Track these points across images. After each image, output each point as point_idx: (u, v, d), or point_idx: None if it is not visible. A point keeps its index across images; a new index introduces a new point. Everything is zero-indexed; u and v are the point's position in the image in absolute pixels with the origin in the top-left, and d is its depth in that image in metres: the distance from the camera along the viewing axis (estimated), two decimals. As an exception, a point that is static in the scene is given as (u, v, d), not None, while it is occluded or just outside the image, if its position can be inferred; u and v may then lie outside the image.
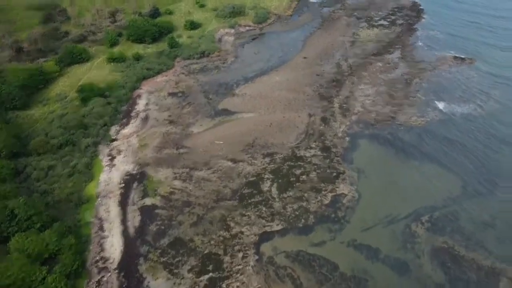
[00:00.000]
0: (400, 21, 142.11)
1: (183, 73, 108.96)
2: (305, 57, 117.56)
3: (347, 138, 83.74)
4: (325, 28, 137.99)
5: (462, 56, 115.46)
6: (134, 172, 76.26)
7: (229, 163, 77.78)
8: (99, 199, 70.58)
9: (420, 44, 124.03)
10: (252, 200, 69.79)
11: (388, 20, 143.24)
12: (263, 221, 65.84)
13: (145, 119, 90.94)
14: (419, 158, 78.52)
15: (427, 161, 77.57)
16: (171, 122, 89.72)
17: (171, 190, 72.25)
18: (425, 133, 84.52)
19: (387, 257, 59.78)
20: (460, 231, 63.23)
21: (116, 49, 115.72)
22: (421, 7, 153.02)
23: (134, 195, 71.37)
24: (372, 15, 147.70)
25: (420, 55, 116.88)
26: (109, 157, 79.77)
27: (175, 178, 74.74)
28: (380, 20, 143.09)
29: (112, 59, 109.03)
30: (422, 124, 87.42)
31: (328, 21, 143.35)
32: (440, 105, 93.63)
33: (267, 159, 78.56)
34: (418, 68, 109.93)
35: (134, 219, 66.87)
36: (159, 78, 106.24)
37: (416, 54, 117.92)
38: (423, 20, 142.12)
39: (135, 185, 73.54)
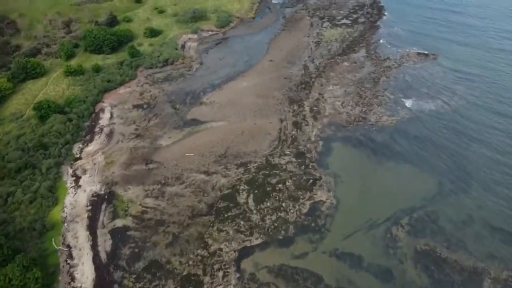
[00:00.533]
0: (362, 19, 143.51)
1: (147, 83, 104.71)
2: (271, 60, 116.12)
3: (321, 142, 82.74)
4: (289, 29, 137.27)
5: (426, 52, 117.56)
6: (102, 192, 71.89)
7: (202, 176, 74.90)
8: (65, 224, 65.94)
9: (383, 41, 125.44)
10: (229, 214, 67.31)
11: (350, 18, 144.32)
12: (242, 235, 63.51)
13: (110, 134, 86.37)
14: (393, 159, 78.54)
15: (401, 162, 77.73)
16: (138, 136, 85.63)
17: (143, 209, 68.56)
18: (397, 133, 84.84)
19: (371, 264, 58.94)
20: (440, 232, 63.33)
21: (74, 62, 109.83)
22: (381, 4, 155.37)
23: (103, 217, 67.19)
24: (334, 14, 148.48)
25: (384, 53, 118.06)
26: (74, 178, 74.93)
27: (147, 196, 71.03)
28: (342, 19, 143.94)
29: (70, 72, 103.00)
30: (393, 124, 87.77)
31: (291, 22, 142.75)
32: (409, 103, 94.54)
33: (241, 169, 76.24)
34: (384, 66, 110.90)
35: (105, 244, 62.84)
36: (122, 90, 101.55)
37: (380, 52, 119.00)
38: (384, 17, 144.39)
39: (103, 206, 69.30)
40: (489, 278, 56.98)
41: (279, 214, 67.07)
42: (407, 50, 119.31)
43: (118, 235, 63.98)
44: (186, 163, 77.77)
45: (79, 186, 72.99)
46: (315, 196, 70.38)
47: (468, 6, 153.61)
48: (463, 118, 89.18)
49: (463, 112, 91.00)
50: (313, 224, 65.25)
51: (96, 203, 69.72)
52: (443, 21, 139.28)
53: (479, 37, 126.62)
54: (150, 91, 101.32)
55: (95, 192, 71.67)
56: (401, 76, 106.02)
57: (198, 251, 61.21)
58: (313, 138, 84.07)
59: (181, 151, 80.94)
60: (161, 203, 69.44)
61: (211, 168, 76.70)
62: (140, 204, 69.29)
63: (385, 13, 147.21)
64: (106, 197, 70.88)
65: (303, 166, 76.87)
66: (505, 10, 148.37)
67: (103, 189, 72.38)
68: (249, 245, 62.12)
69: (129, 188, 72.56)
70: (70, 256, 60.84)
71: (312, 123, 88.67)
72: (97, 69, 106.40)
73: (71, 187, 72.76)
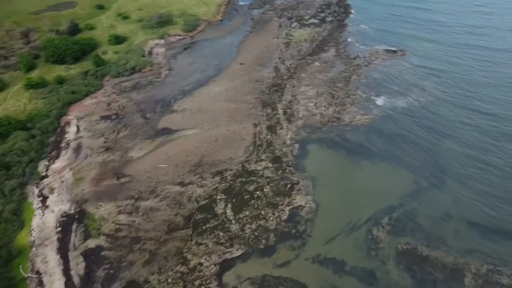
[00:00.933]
0: (329, 18, 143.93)
1: (114, 93, 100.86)
2: (241, 63, 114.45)
3: (296, 145, 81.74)
4: (258, 31, 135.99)
5: (394, 49, 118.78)
6: (72, 211, 68.26)
7: (177, 188, 72.44)
8: (33, 249, 62.07)
9: (352, 40, 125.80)
10: (207, 225, 65.23)
11: (318, 18, 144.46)
12: (222, 247, 61.62)
13: (78, 149, 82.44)
14: (368, 158, 78.35)
15: (377, 160, 77.71)
16: (107, 149, 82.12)
17: (117, 226, 65.51)
18: (371, 132, 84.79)
19: (354, 268, 58.29)
20: (420, 230, 63.45)
21: (35, 74, 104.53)
22: (347, 2, 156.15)
23: (74, 239, 63.71)
24: (302, 14, 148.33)
25: (354, 51, 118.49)
26: (41, 198, 70.83)
27: (120, 212, 67.96)
28: (310, 18, 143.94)
29: (31, 85, 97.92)
30: (367, 122, 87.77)
31: (260, 24, 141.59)
32: (380, 101, 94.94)
33: (217, 178, 74.27)
34: (354, 65, 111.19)
35: (78, 267, 59.52)
36: (88, 101, 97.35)
37: (350, 50, 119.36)
38: (351, 15, 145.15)
39: (74, 226, 65.75)
40: (470, 273, 57.33)
41: (259, 222, 65.55)
42: (376, 47, 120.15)
43: (92, 256, 60.78)
44: (160, 175, 75.09)
45: (47, 207, 69.05)
46: (294, 201, 69.26)
47: (432, 2, 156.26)
48: (432, 114, 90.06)
49: (432, 108, 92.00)
50: (293, 231, 64.11)
51: (66, 223, 66.06)
52: (409, 18, 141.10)
53: (444, 32, 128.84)
54: (118, 101, 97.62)
55: (64, 212, 67.97)
56: (371, 74, 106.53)
57: (177, 267, 58.91)
58: (288, 142, 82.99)
59: (153, 162, 78.14)
60: (135, 219, 66.56)
61: (186, 178, 74.36)
62: (113, 222, 66.17)
63: (352, 11, 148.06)
64: (76, 216, 67.32)
65: (280, 171, 75.67)
66: (468, 5, 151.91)
67: (72, 208, 68.74)
68: (229, 257, 60.30)
69: (100, 205, 69.26)
70: (40, 283, 57.23)
71: (287, 126, 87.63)
72: (60, 81, 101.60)
73: (38, 208, 68.71)
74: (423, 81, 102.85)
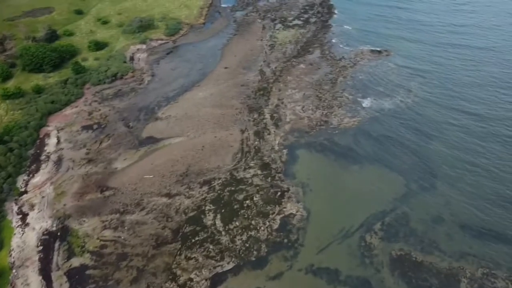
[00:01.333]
0: (313, 19, 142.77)
1: (95, 101, 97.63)
2: (226, 67, 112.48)
3: (285, 151, 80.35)
4: (241, 33, 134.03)
5: (378, 49, 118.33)
6: (54, 228, 65.40)
7: (164, 199, 70.26)
8: (13, 270, 59.13)
9: (336, 41, 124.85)
10: (197, 238, 63.33)
11: (302, 19, 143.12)
12: (213, 261, 59.81)
13: (58, 161, 79.33)
14: (358, 161, 77.58)
15: (366, 164, 76.93)
16: (90, 160, 79.28)
17: (102, 243, 63.00)
18: (359, 135, 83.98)
19: (348, 277, 57.20)
20: (413, 234, 62.82)
21: (11, 83, 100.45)
22: (331, 3, 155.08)
23: (57, 258, 60.95)
24: (285, 15, 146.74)
25: (339, 52, 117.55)
26: (20, 216, 67.69)
27: (105, 228, 65.44)
28: (294, 20, 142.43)
29: (7, 96, 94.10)
30: (355, 125, 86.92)
31: (243, 26, 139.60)
32: (368, 102, 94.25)
33: (205, 188, 72.35)
34: (340, 66, 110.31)
35: (62, 288, 57.08)
36: (68, 111, 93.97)
37: (335, 51, 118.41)
38: (335, 16, 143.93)
39: (57, 244, 62.99)
40: (465, 278, 56.82)
41: (250, 233, 63.95)
42: (360, 48, 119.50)
43: (76, 276, 58.20)
44: (146, 187, 72.75)
45: (27, 224, 65.99)
46: (284, 209, 67.86)
47: (413, 1, 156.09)
48: (419, 115, 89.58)
49: (418, 109, 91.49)
50: (285, 240, 62.73)
51: (47, 242, 63.20)
52: (392, 18, 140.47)
53: (427, 32, 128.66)
54: (99, 109, 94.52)
55: (46, 229, 65.02)
56: (357, 76, 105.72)
57: (167, 284, 56.90)
58: (276, 147, 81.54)
59: (138, 173, 75.70)
60: (121, 234, 64.15)
61: (173, 189, 72.22)
62: (98, 238, 63.63)
63: (335, 12, 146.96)
64: (58, 233, 64.49)
65: (270, 178, 74.18)
66: (449, 4, 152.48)
67: (54, 225, 65.85)
68: (220, 271, 58.59)
69: (84, 220, 66.56)
70: (22, 307, 54.57)
71: (274, 131, 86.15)
72: (38, 90, 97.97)
73: (18, 227, 65.59)
74: (408, 81, 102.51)
